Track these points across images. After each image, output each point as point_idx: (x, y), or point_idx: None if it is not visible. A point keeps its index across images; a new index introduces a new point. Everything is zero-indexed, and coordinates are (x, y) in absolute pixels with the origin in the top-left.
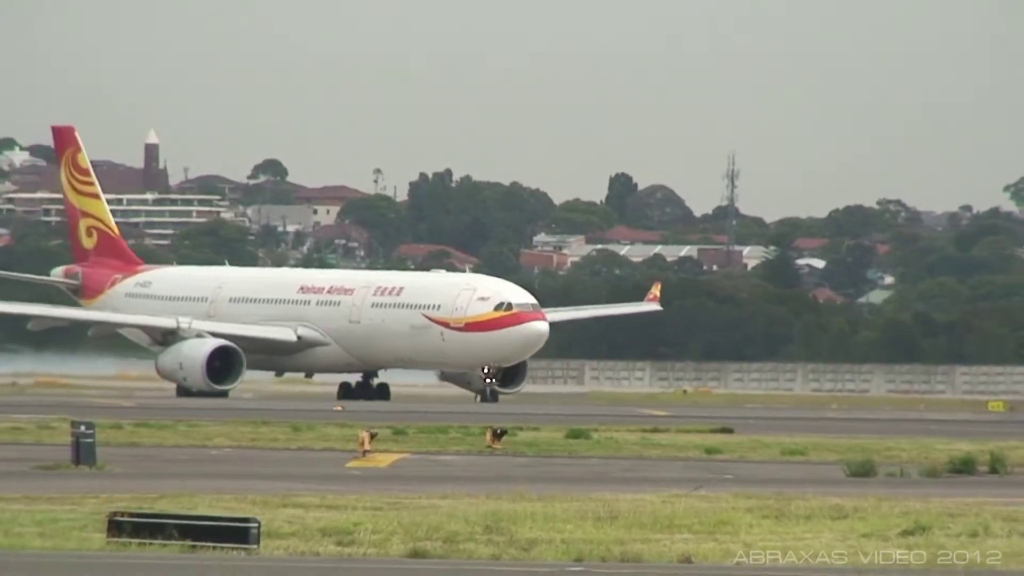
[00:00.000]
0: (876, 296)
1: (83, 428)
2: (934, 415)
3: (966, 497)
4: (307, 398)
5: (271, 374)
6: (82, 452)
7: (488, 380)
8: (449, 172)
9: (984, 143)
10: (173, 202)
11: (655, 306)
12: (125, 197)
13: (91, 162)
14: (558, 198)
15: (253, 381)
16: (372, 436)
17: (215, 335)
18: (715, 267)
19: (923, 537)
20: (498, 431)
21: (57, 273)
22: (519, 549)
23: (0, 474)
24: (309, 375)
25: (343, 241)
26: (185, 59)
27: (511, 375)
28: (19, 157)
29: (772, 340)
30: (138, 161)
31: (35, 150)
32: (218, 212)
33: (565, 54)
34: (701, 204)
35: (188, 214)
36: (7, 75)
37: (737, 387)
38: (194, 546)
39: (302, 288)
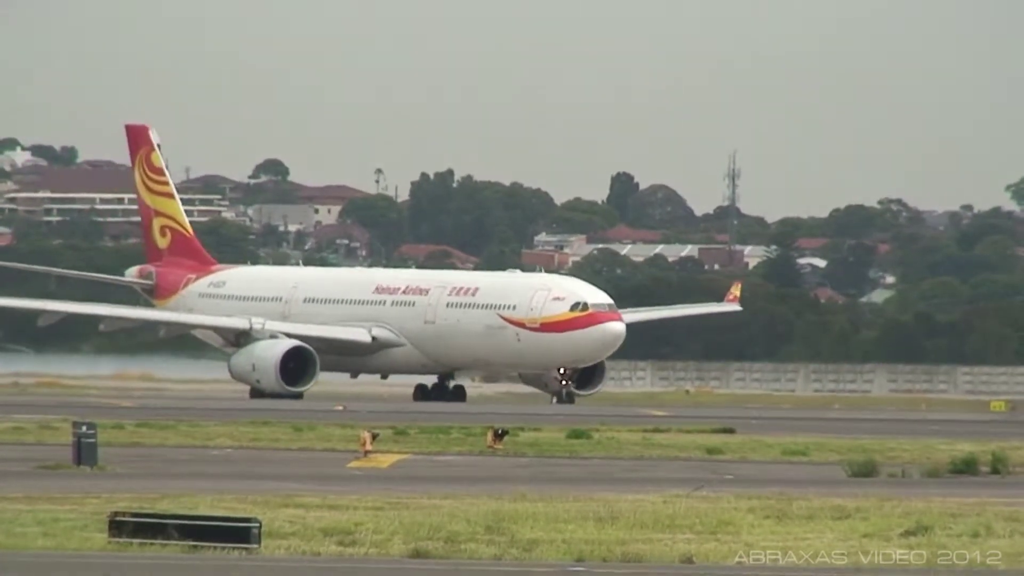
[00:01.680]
0: (877, 296)
1: (85, 428)
2: (936, 415)
3: (968, 497)
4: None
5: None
6: (83, 452)
7: (564, 382)
8: (450, 172)
9: (985, 142)
10: None
11: (735, 306)
12: (126, 197)
13: (91, 162)
14: (559, 198)
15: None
16: (373, 436)
17: (289, 336)
18: (716, 267)
19: (925, 537)
20: (499, 431)
21: (131, 273)
22: (520, 549)
23: (2, 474)
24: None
25: (344, 241)
26: (186, 59)
27: (588, 376)
28: (21, 157)
29: (773, 340)
30: None
31: (36, 150)
32: (219, 211)
33: (566, 54)
34: (702, 204)
35: (189, 214)
36: (8, 75)
37: (738, 387)
38: (195, 546)
39: (377, 288)
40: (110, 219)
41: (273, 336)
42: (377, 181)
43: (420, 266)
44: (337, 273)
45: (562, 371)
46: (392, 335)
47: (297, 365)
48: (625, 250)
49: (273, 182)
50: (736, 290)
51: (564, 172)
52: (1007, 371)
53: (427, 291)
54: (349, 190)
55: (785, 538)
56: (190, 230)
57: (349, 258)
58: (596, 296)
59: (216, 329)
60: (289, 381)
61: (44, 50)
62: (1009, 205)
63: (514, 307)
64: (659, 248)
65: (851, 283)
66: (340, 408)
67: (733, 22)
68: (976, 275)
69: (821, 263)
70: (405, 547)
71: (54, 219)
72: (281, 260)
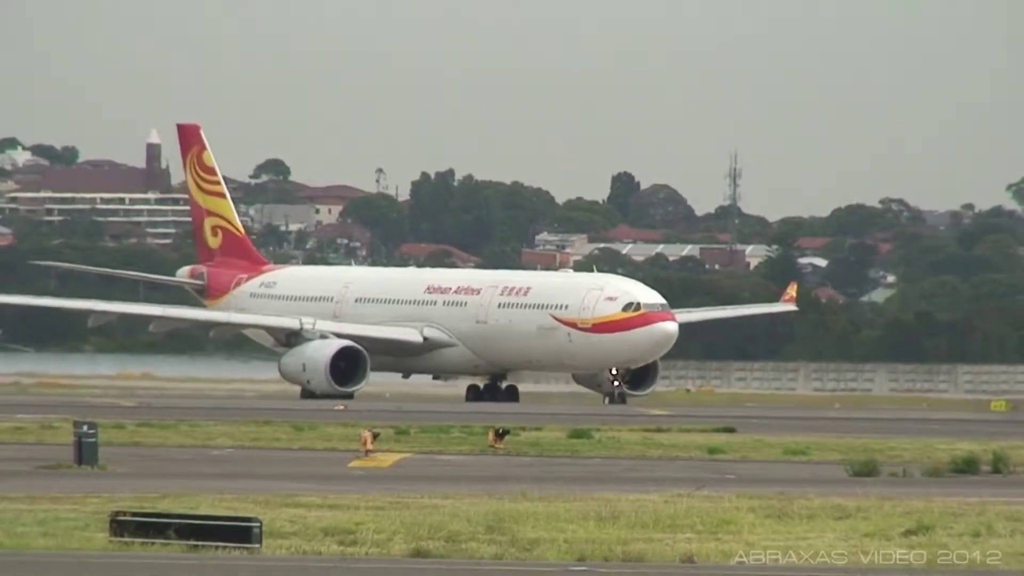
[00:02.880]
0: (878, 295)
1: (85, 428)
2: (936, 415)
3: (969, 497)
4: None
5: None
6: (84, 452)
7: (616, 382)
8: (451, 171)
9: (986, 142)
10: (175, 202)
11: (791, 306)
12: (127, 196)
13: (91, 162)
14: (560, 197)
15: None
16: (374, 436)
17: (339, 336)
18: (717, 266)
19: (926, 537)
20: (500, 431)
21: (182, 273)
22: (521, 549)
23: (3, 474)
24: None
25: (345, 240)
26: (186, 59)
27: (641, 377)
28: (21, 156)
29: (774, 339)
30: (140, 161)
31: (37, 149)
32: None
33: (567, 54)
34: (703, 203)
35: (190, 213)
36: (9, 74)
37: (739, 386)
38: (196, 546)
39: (429, 288)
40: (111, 219)
41: (323, 336)
42: (378, 181)
43: (420, 265)
44: (389, 273)
45: (614, 372)
46: (443, 335)
47: (348, 365)
48: (626, 250)
49: (274, 182)
50: (792, 290)
51: (565, 172)
52: (1008, 370)
53: (479, 291)
54: (350, 190)
55: (786, 538)
56: (241, 230)
57: (350, 258)
58: (649, 296)
59: (267, 329)
60: (339, 381)
61: (44, 50)
62: (1010, 204)
63: (566, 307)
64: (660, 248)
65: (852, 282)
66: (341, 408)
67: (733, 22)
68: (977, 274)
69: (822, 263)
70: (406, 547)
71: (55, 219)
72: (282, 260)
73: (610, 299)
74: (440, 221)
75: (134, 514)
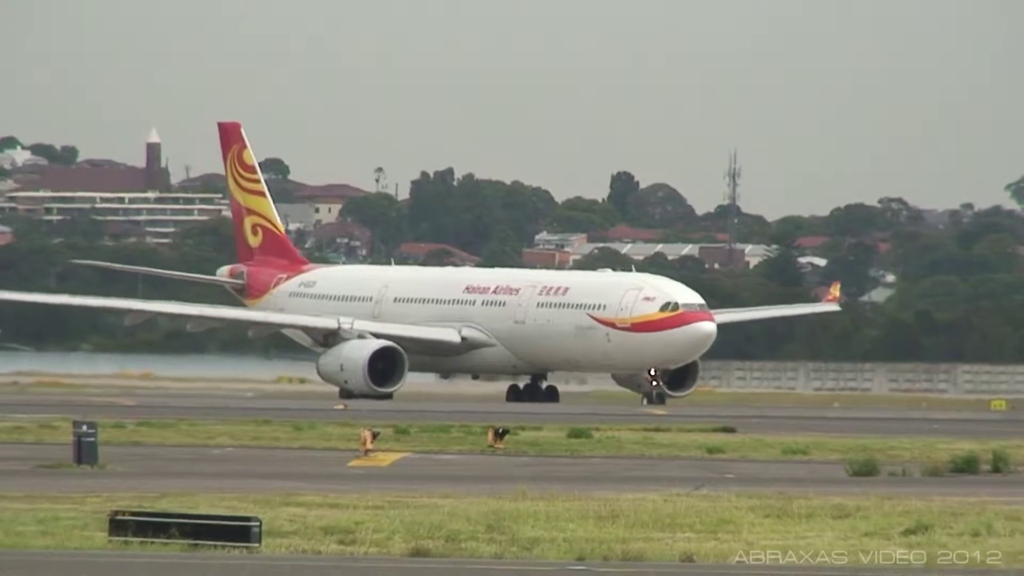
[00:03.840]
0: (878, 295)
1: (85, 427)
2: (936, 414)
3: (968, 496)
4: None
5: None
6: (84, 451)
7: (654, 383)
8: (451, 171)
9: (985, 141)
10: (175, 201)
11: (834, 306)
12: (127, 196)
13: (91, 161)
14: (559, 196)
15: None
16: (374, 435)
17: (377, 336)
18: (717, 266)
19: (925, 536)
20: (499, 430)
21: (222, 272)
22: (521, 548)
23: (2, 473)
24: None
25: (345, 240)
26: (186, 58)
27: (681, 377)
28: (21, 156)
29: (774, 339)
30: (140, 160)
31: (36, 149)
32: (220, 210)
33: (567, 53)
34: (703, 203)
35: (190, 212)
36: (8, 73)
37: (739, 386)
38: (195, 545)
39: (468, 288)
40: (110, 218)
41: (361, 336)
42: (377, 180)
43: (421, 265)
44: (428, 273)
45: (652, 372)
46: (482, 335)
47: (386, 365)
48: (625, 249)
49: (273, 181)
50: (835, 290)
51: (564, 171)
52: (1007, 370)
53: (517, 291)
54: (349, 189)
55: (785, 537)
56: (282, 229)
57: (349, 257)
58: (687, 296)
59: (305, 329)
60: (377, 381)
61: (44, 49)
62: (1009, 204)
63: (604, 307)
64: (659, 247)
65: (851, 282)
66: (341, 407)
67: (733, 21)
68: (976, 274)
69: (821, 262)
70: (405, 546)
71: (54, 218)
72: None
73: (648, 299)
74: (439, 220)
75: (133, 513)
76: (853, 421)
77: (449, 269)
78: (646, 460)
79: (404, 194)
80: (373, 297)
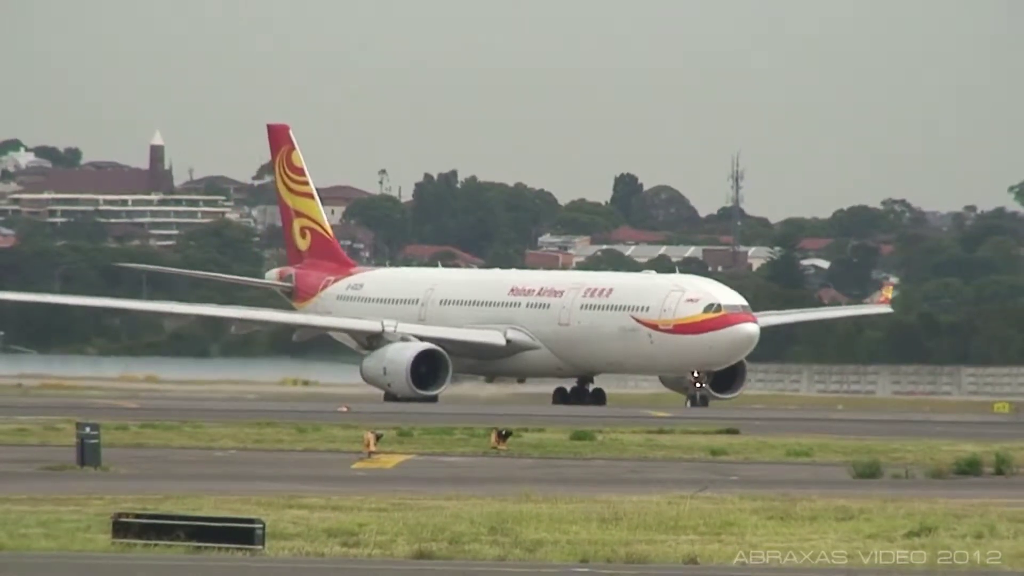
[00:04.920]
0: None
1: (88, 429)
2: (940, 416)
3: (972, 498)
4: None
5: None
6: (87, 453)
7: (698, 384)
8: (454, 173)
9: (988, 143)
10: (178, 203)
11: (886, 308)
12: (130, 198)
13: (95, 163)
14: (563, 199)
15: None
16: (377, 437)
17: (421, 339)
18: (720, 268)
19: (929, 538)
20: (503, 432)
21: (272, 275)
22: (524, 550)
23: (5, 475)
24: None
25: (348, 242)
26: (190, 60)
27: (729, 379)
28: (24, 158)
29: (777, 341)
30: (143, 162)
31: (40, 151)
32: (223, 213)
33: (570, 55)
34: (706, 205)
35: (193, 215)
36: (11, 76)
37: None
38: (199, 547)
39: (513, 290)
40: (113, 220)
41: (405, 339)
42: (381, 182)
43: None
44: (473, 275)
45: (695, 374)
46: (526, 338)
47: (429, 368)
48: (629, 251)
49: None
50: (887, 292)
51: (568, 173)
52: (1011, 372)
53: (561, 293)
54: (353, 191)
55: (789, 539)
56: (330, 231)
57: (353, 259)
58: (730, 297)
59: (349, 332)
60: (421, 384)
61: (47, 51)
62: (1012, 206)
63: (647, 308)
64: (663, 249)
65: (854, 284)
66: (344, 409)
67: (735, 23)
68: (979, 276)
69: (824, 264)
70: (409, 548)
71: (58, 220)
72: (285, 261)
73: (691, 300)
74: (443, 222)
75: (137, 515)
76: (857, 423)
77: (495, 271)
78: (649, 462)
79: (407, 196)
80: (419, 299)
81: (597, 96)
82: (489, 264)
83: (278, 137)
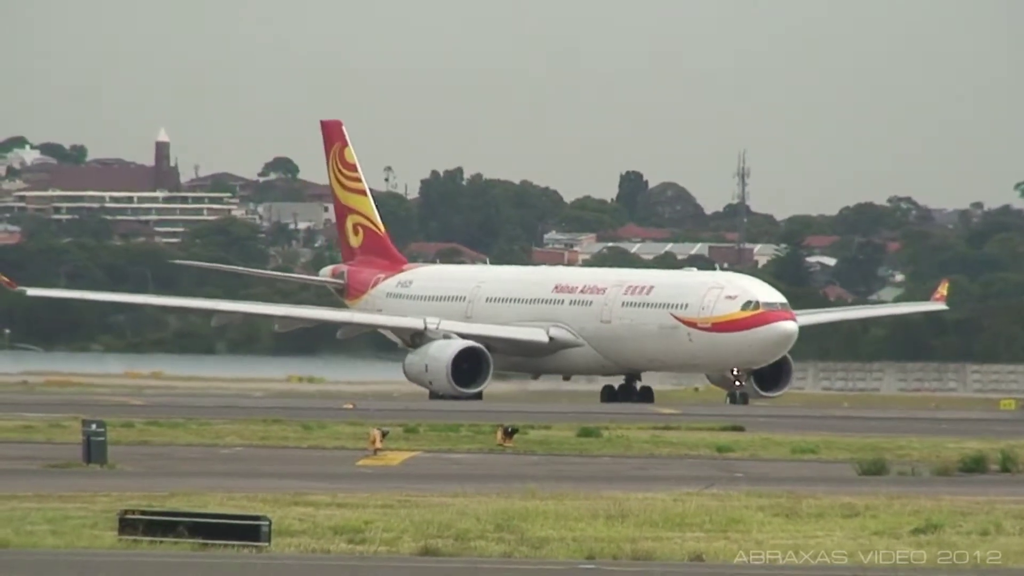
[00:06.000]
0: (887, 294)
1: (94, 426)
2: (945, 413)
3: (977, 496)
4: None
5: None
6: (93, 450)
7: (738, 383)
8: (460, 170)
9: (994, 140)
10: (184, 200)
11: (941, 305)
12: (136, 195)
13: (101, 160)
14: (568, 196)
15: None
16: (383, 434)
17: (463, 336)
18: (726, 265)
19: (934, 536)
20: (509, 429)
21: (325, 273)
22: (530, 547)
23: (11, 472)
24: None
25: None
26: (195, 57)
27: (775, 377)
28: (30, 155)
29: None
30: (149, 159)
31: (46, 148)
32: (229, 210)
33: (576, 52)
34: (712, 202)
35: (199, 212)
36: (17, 73)
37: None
38: (205, 544)
39: (557, 287)
40: (119, 217)
41: (447, 336)
42: (387, 179)
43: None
44: (519, 272)
45: (735, 371)
46: (570, 335)
47: (471, 366)
48: (634, 248)
49: (283, 180)
50: (943, 289)
51: (573, 170)
52: (1017, 369)
53: (604, 290)
54: None
55: (795, 536)
56: (382, 228)
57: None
58: (769, 295)
59: (392, 329)
60: (462, 382)
61: (52, 48)
62: (1019, 203)
63: (686, 306)
64: (668, 246)
65: (860, 281)
66: (350, 406)
67: (742, 21)
68: (986, 273)
69: (830, 261)
70: (415, 545)
71: (63, 217)
72: (291, 258)
73: (730, 298)
74: (449, 220)
75: (143, 513)
76: (862, 420)
77: (542, 268)
78: (655, 459)
79: (413, 193)
80: (466, 297)
81: (603, 94)
82: (495, 262)
83: (331, 133)
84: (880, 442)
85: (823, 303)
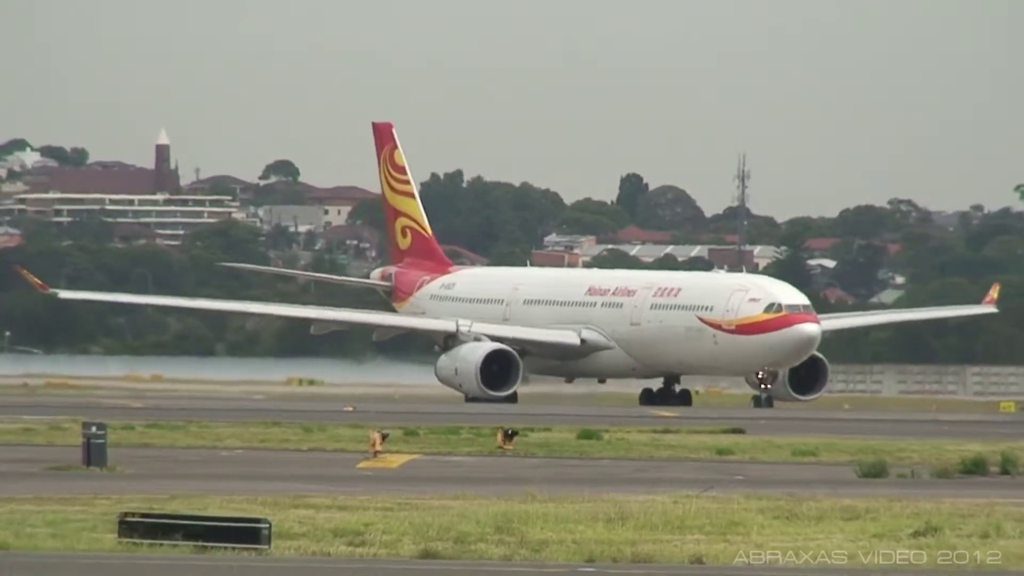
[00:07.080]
0: (887, 296)
1: (94, 429)
2: (945, 416)
3: (977, 498)
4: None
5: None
6: (93, 453)
7: (763, 385)
8: (460, 172)
9: (994, 142)
10: (184, 203)
11: (992, 308)
12: (136, 198)
13: (101, 163)
14: (569, 198)
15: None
16: (383, 437)
17: (495, 339)
18: (726, 267)
19: (934, 538)
20: (509, 432)
21: (374, 275)
22: (530, 550)
23: (12, 475)
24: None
25: (354, 242)
26: (195, 60)
27: (811, 380)
28: (30, 158)
29: None
30: (149, 162)
31: (46, 151)
32: (229, 213)
33: (576, 55)
34: (712, 204)
35: (199, 215)
36: (18, 75)
37: (748, 388)
38: (205, 547)
39: (590, 290)
40: (120, 220)
41: (477, 339)
42: None
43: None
44: (555, 274)
45: (760, 374)
46: (601, 337)
47: (501, 369)
48: (635, 251)
49: (283, 183)
50: (994, 292)
51: (573, 173)
52: (1017, 371)
53: (634, 292)
54: (359, 191)
55: (795, 539)
56: (429, 230)
57: (358, 259)
58: (792, 297)
59: (424, 332)
60: (492, 385)
61: (53, 51)
62: (1019, 206)
63: (711, 308)
64: (669, 249)
65: (860, 283)
66: (350, 409)
67: (741, 23)
68: (986, 276)
69: (830, 263)
70: (415, 548)
71: (64, 220)
72: (291, 262)
73: (753, 300)
74: (449, 222)
75: (143, 515)
76: (862, 423)
77: (577, 270)
78: (655, 462)
79: None
80: (504, 299)
81: (603, 96)
82: (496, 264)
83: (382, 135)
84: (880, 444)
85: (823, 306)
